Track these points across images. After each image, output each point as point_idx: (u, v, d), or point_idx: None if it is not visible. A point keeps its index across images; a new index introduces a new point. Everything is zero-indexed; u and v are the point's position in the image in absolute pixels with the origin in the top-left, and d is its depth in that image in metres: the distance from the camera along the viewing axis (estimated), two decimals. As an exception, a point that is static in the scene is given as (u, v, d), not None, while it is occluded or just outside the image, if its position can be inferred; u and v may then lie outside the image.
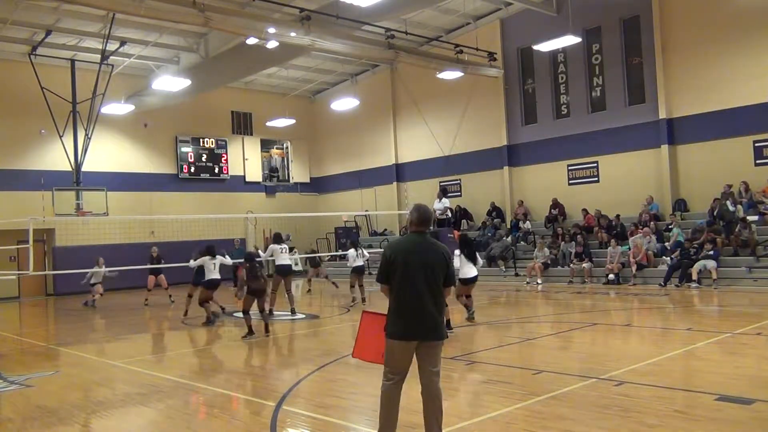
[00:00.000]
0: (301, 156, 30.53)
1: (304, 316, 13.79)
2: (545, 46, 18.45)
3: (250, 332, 10.71)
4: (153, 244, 19.30)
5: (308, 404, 6.58)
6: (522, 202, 22.03)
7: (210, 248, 13.24)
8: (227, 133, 28.09)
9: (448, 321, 10.11)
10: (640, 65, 19.57)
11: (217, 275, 13.03)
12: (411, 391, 4.70)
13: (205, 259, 13.01)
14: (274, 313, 13.54)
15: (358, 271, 15.10)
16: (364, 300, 15.29)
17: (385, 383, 4.68)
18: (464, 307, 11.30)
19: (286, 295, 13.70)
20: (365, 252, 15.69)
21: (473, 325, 11.01)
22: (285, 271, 13.69)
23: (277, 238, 14.06)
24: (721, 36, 17.68)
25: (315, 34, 16.22)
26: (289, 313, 13.54)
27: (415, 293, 4.62)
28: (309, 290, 19.69)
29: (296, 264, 27.28)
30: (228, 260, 14.01)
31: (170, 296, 17.71)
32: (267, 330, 10.93)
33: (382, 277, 4.81)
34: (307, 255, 21.24)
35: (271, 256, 13.84)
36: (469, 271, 10.80)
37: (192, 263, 13.83)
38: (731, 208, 16.72)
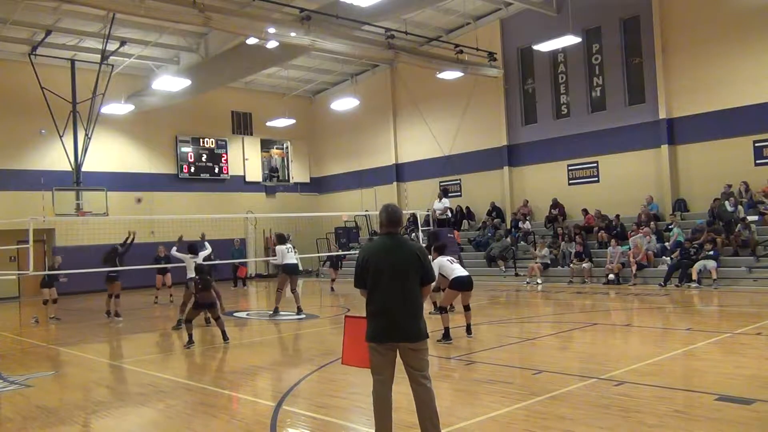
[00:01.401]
0: (301, 156, 30.53)
1: (304, 315, 13.80)
2: (545, 46, 18.48)
3: (190, 341, 10.32)
4: (153, 244, 19.26)
5: (308, 404, 6.58)
6: (527, 201, 22.02)
7: (192, 247, 13.18)
8: (227, 133, 28.11)
9: (469, 325, 9.97)
10: (640, 65, 19.56)
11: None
12: (408, 391, 4.69)
13: (186, 257, 12.91)
14: (280, 312, 13.58)
15: None
16: None
17: (374, 385, 4.65)
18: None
19: (292, 294, 13.74)
20: None
21: (473, 324, 10.98)
22: (292, 270, 13.73)
23: (281, 239, 14.08)
24: (721, 36, 17.68)
25: (315, 34, 16.22)
26: (295, 312, 13.60)
27: (388, 294, 4.56)
28: (332, 289, 19.58)
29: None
30: (209, 249, 13.84)
31: (170, 296, 17.98)
32: (225, 337, 10.51)
33: (358, 281, 4.76)
34: (330, 255, 21.16)
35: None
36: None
37: (174, 251, 13.94)
38: (730, 209, 16.72)
